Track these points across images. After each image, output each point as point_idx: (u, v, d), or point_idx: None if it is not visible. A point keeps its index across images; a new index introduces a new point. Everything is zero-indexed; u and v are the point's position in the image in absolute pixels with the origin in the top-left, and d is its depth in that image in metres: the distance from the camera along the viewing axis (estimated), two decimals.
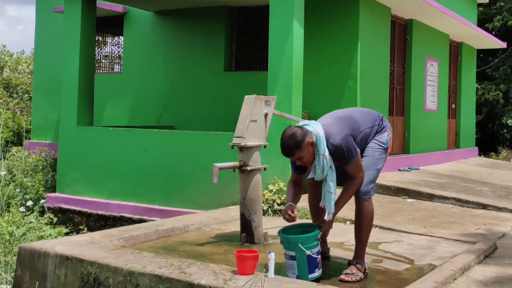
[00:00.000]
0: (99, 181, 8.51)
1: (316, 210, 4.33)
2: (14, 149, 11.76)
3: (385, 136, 4.32)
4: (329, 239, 5.29)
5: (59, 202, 8.71)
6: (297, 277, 3.89)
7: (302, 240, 3.92)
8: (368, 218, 4.17)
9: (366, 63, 8.94)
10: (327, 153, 3.96)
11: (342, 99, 8.79)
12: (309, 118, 8.64)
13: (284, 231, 4.09)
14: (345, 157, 3.96)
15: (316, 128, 4.00)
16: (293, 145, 3.89)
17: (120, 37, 12.29)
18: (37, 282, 4.29)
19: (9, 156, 11.10)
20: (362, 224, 4.17)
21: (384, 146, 4.29)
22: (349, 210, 6.63)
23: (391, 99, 10.30)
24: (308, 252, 3.87)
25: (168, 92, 10.89)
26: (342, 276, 4.01)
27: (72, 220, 8.51)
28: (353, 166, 4.01)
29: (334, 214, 4.08)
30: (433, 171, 10.34)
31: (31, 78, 17.45)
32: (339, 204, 4.09)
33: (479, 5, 18.38)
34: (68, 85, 8.88)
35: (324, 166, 3.98)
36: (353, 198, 4.23)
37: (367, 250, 4.70)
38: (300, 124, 4.10)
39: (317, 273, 3.94)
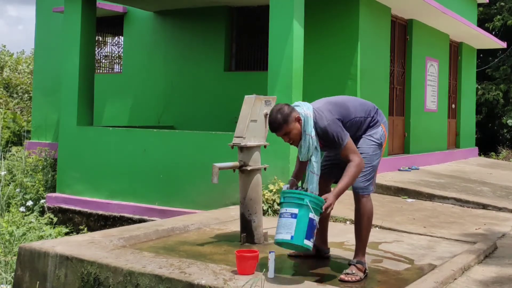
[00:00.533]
0: (99, 181, 8.51)
1: (321, 228, 4.39)
2: (14, 149, 11.76)
3: (379, 132, 4.27)
4: (329, 239, 5.29)
5: (59, 202, 8.71)
6: (292, 238, 3.67)
7: (311, 198, 3.75)
8: (368, 216, 4.16)
9: (366, 63, 8.94)
10: (313, 133, 4.00)
11: None
12: None
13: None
14: (335, 141, 3.97)
15: (305, 109, 4.04)
16: (280, 120, 3.94)
17: (120, 37, 12.29)
18: (37, 282, 4.29)
19: (9, 156, 11.10)
20: (362, 222, 4.17)
21: (378, 142, 4.25)
22: (349, 210, 6.64)
23: (391, 99, 10.30)
24: (312, 215, 3.71)
25: (168, 92, 10.89)
26: (342, 276, 4.00)
27: (72, 220, 8.51)
28: (346, 150, 3.99)
29: (337, 195, 3.93)
30: (433, 171, 10.34)
31: (31, 78, 17.45)
32: (340, 185, 3.94)
33: (479, 5, 18.38)
34: (68, 85, 8.88)
35: (310, 146, 4.01)
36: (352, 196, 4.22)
37: (367, 250, 4.70)
38: (292, 105, 4.11)
39: (311, 243, 3.74)
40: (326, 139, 4.01)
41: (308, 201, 3.73)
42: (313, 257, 4.57)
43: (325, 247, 4.65)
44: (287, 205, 3.78)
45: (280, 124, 3.95)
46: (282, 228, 3.74)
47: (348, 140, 4.00)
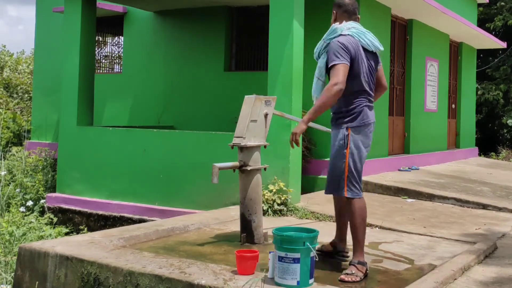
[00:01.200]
0: (99, 181, 8.51)
1: (340, 225, 4.59)
2: (14, 149, 11.76)
3: (341, 133, 4.21)
4: (329, 239, 5.29)
5: (59, 202, 8.71)
6: (298, 283, 3.59)
7: (309, 237, 3.70)
8: (358, 215, 4.14)
9: None
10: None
11: None
12: None
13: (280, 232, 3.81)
14: (329, 56, 4.20)
15: (343, 28, 4.31)
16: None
17: (120, 37, 12.29)
18: (37, 282, 4.29)
19: (9, 156, 11.11)
20: (355, 223, 4.16)
21: (340, 142, 4.20)
22: None
23: (391, 99, 10.30)
24: (312, 253, 3.66)
25: (168, 92, 10.89)
26: (342, 276, 3.99)
27: (72, 220, 8.51)
28: (331, 71, 4.13)
29: (308, 119, 4.13)
30: (433, 171, 10.34)
31: (31, 78, 17.45)
32: (312, 109, 4.11)
33: (479, 5, 18.38)
34: (68, 85, 8.88)
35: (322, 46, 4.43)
36: None
37: (367, 250, 4.70)
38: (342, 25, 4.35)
39: (313, 278, 3.73)
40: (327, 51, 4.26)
41: (309, 244, 3.65)
42: (329, 255, 4.57)
43: (343, 245, 4.55)
44: (286, 249, 3.65)
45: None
46: (286, 273, 3.63)
47: (339, 64, 4.09)
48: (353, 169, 4.18)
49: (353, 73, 4.16)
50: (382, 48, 4.40)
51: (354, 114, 4.20)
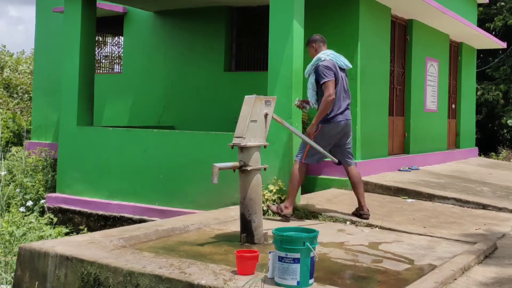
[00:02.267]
0: (99, 181, 8.51)
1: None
2: (14, 149, 11.75)
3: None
4: (329, 239, 5.30)
5: (59, 202, 8.71)
6: (298, 283, 3.60)
7: (309, 237, 3.70)
8: (292, 173, 6.32)
9: (366, 63, 8.93)
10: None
11: None
12: (309, 119, 8.64)
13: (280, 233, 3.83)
14: (319, 76, 6.11)
15: (323, 55, 6.24)
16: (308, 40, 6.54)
17: (120, 37, 12.29)
18: (37, 282, 4.29)
19: (9, 156, 11.11)
20: (290, 178, 6.35)
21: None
22: (349, 210, 6.64)
23: (391, 99, 10.30)
24: (312, 253, 3.66)
25: (168, 92, 10.89)
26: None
27: (72, 220, 8.51)
28: (324, 87, 6.06)
29: (316, 122, 6.15)
30: (433, 171, 10.34)
31: (31, 78, 17.45)
32: (318, 115, 6.15)
33: (479, 5, 18.38)
34: (68, 85, 8.88)
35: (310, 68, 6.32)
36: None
37: (368, 250, 4.71)
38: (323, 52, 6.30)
39: (313, 278, 3.73)
40: (317, 73, 6.13)
41: (309, 244, 3.65)
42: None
43: (363, 209, 6.33)
44: (285, 249, 3.65)
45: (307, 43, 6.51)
46: (286, 273, 3.63)
47: (328, 81, 6.00)
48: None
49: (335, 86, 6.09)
50: (351, 66, 6.47)
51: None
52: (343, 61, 6.28)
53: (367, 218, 6.24)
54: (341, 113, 6.18)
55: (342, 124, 6.19)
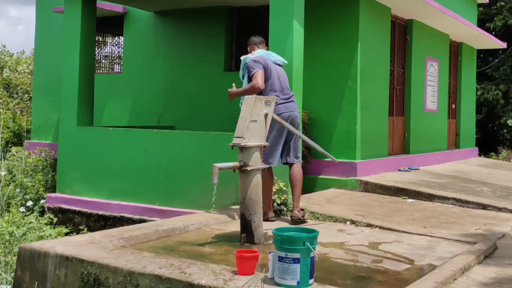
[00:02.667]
0: (99, 181, 8.51)
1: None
2: (14, 149, 11.76)
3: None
4: (329, 239, 5.29)
5: (59, 202, 8.70)
6: (298, 283, 3.59)
7: (310, 237, 3.69)
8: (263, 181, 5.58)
9: (366, 63, 8.94)
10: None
11: (342, 99, 8.79)
12: (309, 118, 8.64)
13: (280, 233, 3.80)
14: (249, 72, 6.05)
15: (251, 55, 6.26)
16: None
17: (120, 37, 12.29)
18: (37, 282, 4.29)
19: (9, 156, 11.11)
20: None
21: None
22: (349, 210, 6.64)
23: (391, 99, 10.30)
24: (312, 253, 3.65)
25: (168, 92, 10.89)
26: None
27: (72, 220, 8.51)
28: (252, 77, 5.99)
29: (236, 93, 6.21)
30: (433, 171, 10.34)
31: (31, 78, 17.46)
32: (238, 90, 6.20)
33: (479, 5, 18.38)
34: (68, 85, 8.88)
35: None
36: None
37: (368, 250, 4.71)
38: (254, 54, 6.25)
39: (313, 278, 3.72)
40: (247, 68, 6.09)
41: (309, 244, 3.63)
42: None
43: (294, 212, 5.98)
44: (285, 249, 3.64)
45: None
46: (286, 273, 3.62)
47: (254, 71, 5.95)
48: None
49: (266, 78, 6.02)
50: (286, 62, 6.45)
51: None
52: (276, 57, 6.26)
53: (297, 222, 5.93)
54: (282, 104, 6.00)
55: (285, 116, 5.95)
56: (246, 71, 6.11)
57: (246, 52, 6.48)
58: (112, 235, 4.93)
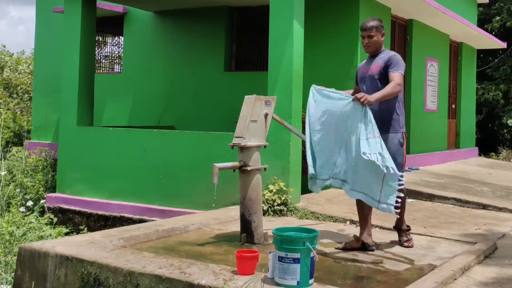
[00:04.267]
0: (99, 181, 8.51)
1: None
2: (14, 149, 11.76)
3: (398, 137, 4.99)
4: (329, 239, 5.30)
5: (59, 202, 8.70)
6: (298, 283, 3.59)
7: (309, 237, 3.69)
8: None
9: None
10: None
11: None
12: None
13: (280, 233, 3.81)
14: (394, 64, 4.87)
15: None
16: (375, 24, 5.02)
17: (120, 37, 12.30)
18: (37, 282, 4.29)
19: (9, 156, 11.11)
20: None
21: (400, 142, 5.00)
22: (349, 210, 6.64)
23: None
24: (312, 253, 3.65)
25: (168, 92, 10.89)
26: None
27: (72, 220, 8.51)
28: (396, 75, 4.83)
29: (375, 98, 4.69)
30: (433, 171, 10.34)
31: (31, 78, 17.46)
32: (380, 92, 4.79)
33: (479, 5, 18.38)
34: (68, 85, 8.88)
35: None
36: None
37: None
38: None
39: (313, 278, 3.72)
40: (391, 62, 4.89)
41: (309, 244, 3.63)
42: (358, 250, 4.88)
43: (370, 241, 4.92)
44: (285, 249, 3.64)
45: (372, 26, 4.99)
46: (286, 273, 3.62)
47: (402, 72, 4.86)
48: None
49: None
50: None
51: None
52: None
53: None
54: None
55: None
56: (390, 65, 4.90)
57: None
58: (112, 235, 4.93)
